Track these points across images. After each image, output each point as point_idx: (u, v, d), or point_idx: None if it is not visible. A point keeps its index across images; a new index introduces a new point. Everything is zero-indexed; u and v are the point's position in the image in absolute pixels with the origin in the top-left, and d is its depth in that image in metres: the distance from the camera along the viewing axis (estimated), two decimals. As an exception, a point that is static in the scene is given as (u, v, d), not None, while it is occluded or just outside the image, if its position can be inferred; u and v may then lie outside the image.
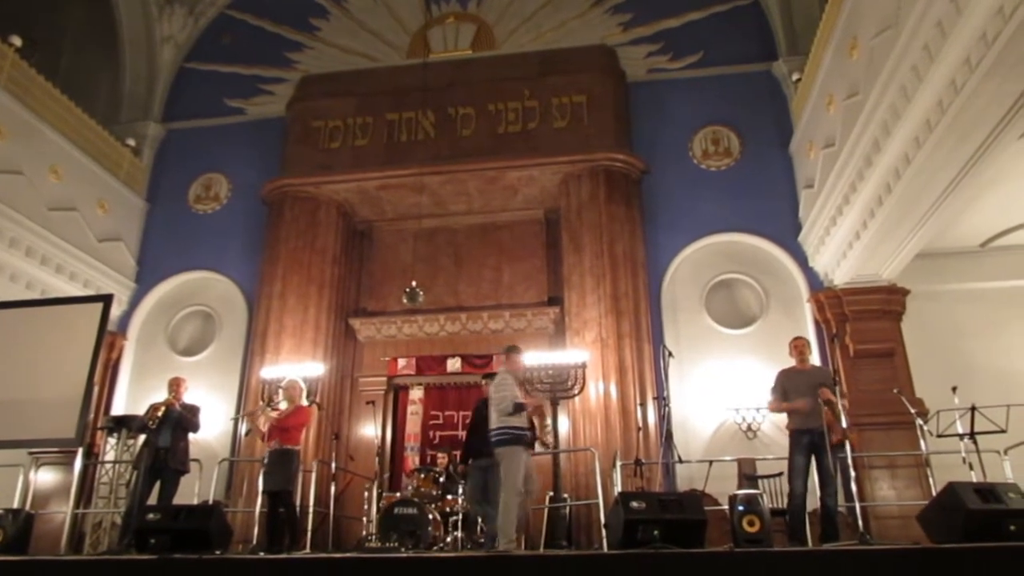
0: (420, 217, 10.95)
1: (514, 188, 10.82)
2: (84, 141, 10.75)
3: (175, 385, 7.14)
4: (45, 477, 9.75)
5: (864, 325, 9.18)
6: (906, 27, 6.37)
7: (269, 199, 11.23)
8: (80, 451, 8.03)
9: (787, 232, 10.15)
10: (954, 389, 6.90)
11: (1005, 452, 6.91)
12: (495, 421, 5.88)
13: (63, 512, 8.48)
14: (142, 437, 7.10)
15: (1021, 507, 4.64)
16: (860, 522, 5.67)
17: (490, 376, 7.16)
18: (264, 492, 6.84)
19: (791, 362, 6.47)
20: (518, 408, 5.77)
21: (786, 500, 6.27)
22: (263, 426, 6.92)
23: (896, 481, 8.58)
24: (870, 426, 8.61)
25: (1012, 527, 4.51)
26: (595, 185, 10.28)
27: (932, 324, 9.45)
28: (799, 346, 6.44)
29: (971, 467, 6.61)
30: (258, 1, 12.91)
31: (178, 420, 6.89)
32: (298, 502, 7.37)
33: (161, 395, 7.27)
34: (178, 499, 6.80)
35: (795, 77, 10.34)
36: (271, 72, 12.44)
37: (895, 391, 7.69)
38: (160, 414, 6.79)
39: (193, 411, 7.14)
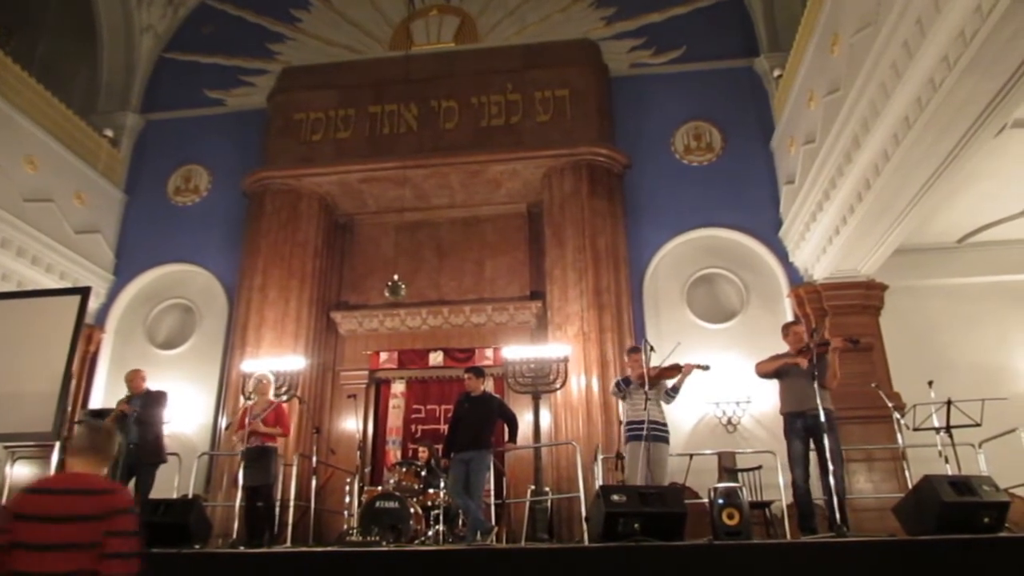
0: (402, 210, 10.91)
1: (497, 182, 10.81)
2: (60, 131, 10.59)
3: (130, 380, 7.04)
4: (21, 471, 9.62)
5: (843, 320, 9.26)
6: (886, 24, 6.43)
7: (250, 191, 11.14)
8: (57, 445, 7.93)
9: (768, 227, 10.22)
10: (930, 383, 6.99)
11: (980, 445, 7.01)
12: None
13: (39, 507, 8.37)
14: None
15: (995, 500, 4.71)
16: (837, 514, 5.72)
17: (473, 370, 7.15)
18: (243, 487, 6.80)
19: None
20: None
21: (778, 492, 6.26)
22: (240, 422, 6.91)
23: (873, 474, 8.68)
24: (848, 420, 8.67)
25: (986, 519, 4.58)
26: (578, 179, 10.29)
27: (910, 319, 9.57)
28: (798, 332, 6.23)
29: (947, 460, 6.71)
30: (238, -9, 12.79)
31: (138, 418, 6.79)
32: (278, 496, 7.35)
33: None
34: (157, 493, 6.74)
35: (776, 73, 10.41)
36: (252, 63, 12.33)
37: (873, 385, 7.78)
38: (112, 422, 6.69)
39: (157, 401, 7.00)
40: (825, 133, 8.26)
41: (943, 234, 9.56)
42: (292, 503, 7.64)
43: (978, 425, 6.62)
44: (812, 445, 5.85)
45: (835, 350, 5.83)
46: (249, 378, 8.74)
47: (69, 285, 10.03)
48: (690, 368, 6.21)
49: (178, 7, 12.90)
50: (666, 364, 6.29)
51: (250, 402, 7.26)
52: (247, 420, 6.94)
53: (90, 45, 12.41)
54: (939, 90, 6.03)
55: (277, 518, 7.15)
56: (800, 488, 5.82)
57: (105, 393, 10.62)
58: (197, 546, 5.24)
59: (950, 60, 5.78)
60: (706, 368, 6.21)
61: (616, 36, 11.62)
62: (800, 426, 5.86)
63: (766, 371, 6.20)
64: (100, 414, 9.13)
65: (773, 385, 6.30)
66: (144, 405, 6.91)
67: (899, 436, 7.47)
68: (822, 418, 5.53)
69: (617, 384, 6.56)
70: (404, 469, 7.93)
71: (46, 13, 11.88)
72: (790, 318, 9.60)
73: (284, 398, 8.41)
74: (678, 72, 11.31)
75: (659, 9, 11.61)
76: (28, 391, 7.24)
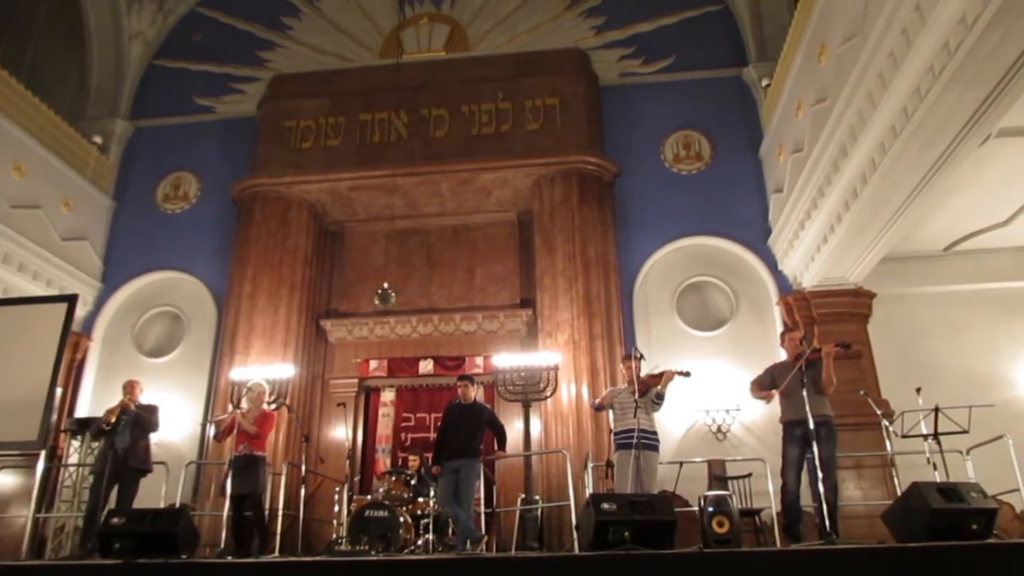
0: (392, 218, 10.90)
1: (487, 190, 10.82)
2: (48, 137, 10.53)
3: (129, 388, 7.02)
4: (6, 480, 9.52)
5: (832, 327, 9.31)
6: (872, 35, 6.49)
7: (239, 199, 11.10)
8: (43, 454, 7.87)
9: (757, 236, 10.27)
10: (918, 390, 7.02)
11: (967, 452, 7.05)
12: None
13: (24, 516, 8.30)
14: (102, 441, 6.94)
15: (983, 506, 4.73)
16: (827, 522, 5.73)
17: (466, 378, 7.14)
18: (231, 496, 6.75)
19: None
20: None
21: (767, 499, 6.26)
22: (224, 424, 6.88)
23: (862, 481, 8.71)
24: (837, 427, 8.70)
25: (974, 526, 4.60)
26: (568, 187, 10.31)
27: (897, 326, 9.62)
28: (793, 338, 6.27)
29: (935, 467, 6.73)
30: (229, -2, 12.78)
31: (135, 420, 6.77)
32: (267, 505, 7.30)
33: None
34: (144, 502, 6.68)
35: (765, 82, 10.48)
36: (242, 71, 12.31)
37: (861, 392, 7.81)
38: (115, 416, 6.66)
39: (151, 411, 7.00)
40: (813, 142, 8.32)
41: (930, 242, 9.63)
42: (281, 512, 7.59)
43: (966, 432, 6.66)
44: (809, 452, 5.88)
45: (827, 355, 5.87)
46: (240, 386, 8.72)
47: (56, 292, 9.95)
48: (671, 374, 6.22)
49: (168, 14, 12.87)
50: (653, 373, 6.32)
51: (240, 409, 7.20)
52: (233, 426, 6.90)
53: (79, 51, 12.36)
54: (925, 100, 6.09)
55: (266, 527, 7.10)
56: (791, 494, 5.83)
57: (92, 402, 10.53)
58: (184, 556, 5.19)
59: (935, 70, 5.84)
60: (687, 374, 6.24)
61: (606, 45, 11.68)
62: (799, 433, 5.87)
63: (754, 396, 6.36)
64: (85, 423, 9.11)
65: (762, 393, 6.32)
66: (140, 412, 6.89)
67: (888, 443, 7.51)
68: (811, 425, 5.54)
69: (592, 407, 7.05)
70: (393, 478, 7.90)
71: (35, 19, 11.82)
72: (779, 326, 9.67)
73: (273, 406, 8.36)
74: (667, 81, 11.38)
75: (648, 19, 11.68)
76: (13, 399, 7.16)
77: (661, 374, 6.27)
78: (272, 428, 7.05)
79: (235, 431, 6.89)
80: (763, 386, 6.20)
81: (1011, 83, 5.67)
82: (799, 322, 9.46)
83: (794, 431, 5.92)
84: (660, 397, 6.31)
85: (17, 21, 11.68)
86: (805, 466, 5.90)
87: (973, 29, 5.25)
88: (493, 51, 11.79)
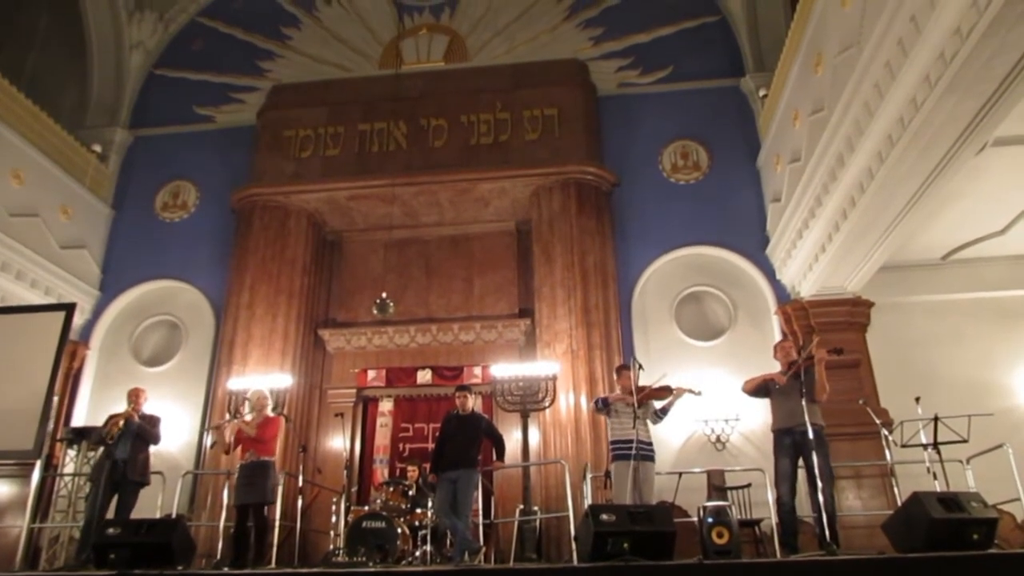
0: (391, 228, 10.90)
1: (485, 200, 10.83)
2: (48, 145, 10.53)
3: (134, 396, 6.99)
4: (1, 490, 9.47)
5: (830, 336, 9.26)
6: (868, 45, 6.52)
7: (238, 208, 11.11)
8: (38, 463, 7.83)
9: (755, 245, 10.28)
10: (917, 400, 7.02)
11: (967, 461, 7.03)
12: None
13: (19, 526, 8.25)
14: (100, 449, 6.91)
15: (983, 516, 4.71)
16: (827, 532, 5.71)
17: (462, 388, 7.12)
18: (236, 505, 6.69)
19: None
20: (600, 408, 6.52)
21: (767, 510, 6.23)
22: (228, 437, 6.82)
23: (862, 491, 8.68)
24: (836, 436, 8.67)
25: (975, 536, 4.58)
26: (566, 197, 10.33)
27: (896, 335, 9.62)
28: (786, 347, 6.30)
29: (935, 476, 6.71)
30: (229, 9, 12.84)
31: (137, 432, 6.74)
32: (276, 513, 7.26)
33: (123, 406, 7.10)
34: (140, 512, 6.63)
35: (762, 93, 10.52)
36: (242, 80, 12.34)
37: (860, 402, 7.80)
38: (119, 427, 6.63)
39: (153, 422, 6.97)
40: (810, 151, 8.34)
41: (927, 251, 9.64)
42: (278, 522, 7.55)
43: (965, 441, 6.65)
44: (801, 462, 5.85)
45: (820, 362, 5.86)
46: (238, 396, 8.68)
47: (54, 301, 9.95)
48: (681, 391, 6.19)
49: (168, 23, 12.93)
50: (656, 386, 6.27)
51: (241, 418, 7.17)
52: (232, 436, 6.86)
53: (80, 60, 12.40)
54: (921, 109, 6.11)
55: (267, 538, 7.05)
56: (786, 505, 5.81)
57: (88, 411, 10.50)
58: (180, 567, 5.16)
59: (931, 80, 5.86)
60: (698, 393, 6.20)
61: (604, 56, 11.73)
62: (788, 443, 5.86)
63: (748, 390, 6.31)
64: (82, 432, 9.07)
65: (761, 403, 6.33)
66: (143, 425, 6.86)
67: (887, 452, 7.49)
68: (810, 435, 5.53)
69: (596, 403, 6.67)
70: (391, 488, 7.86)
71: (36, 27, 11.86)
72: (778, 335, 9.65)
73: (272, 414, 8.33)
74: (665, 91, 11.42)
75: (646, 30, 11.74)
76: (9, 408, 7.15)
77: (665, 387, 6.23)
78: (277, 432, 6.99)
79: (232, 441, 6.85)
80: (764, 393, 6.17)
81: (1007, 92, 5.69)
82: (798, 331, 9.45)
83: (784, 440, 5.90)
84: (664, 412, 6.30)
85: (18, 29, 11.71)
86: (799, 476, 5.88)
87: (968, 39, 5.27)
88: (492, 62, 11.84)
